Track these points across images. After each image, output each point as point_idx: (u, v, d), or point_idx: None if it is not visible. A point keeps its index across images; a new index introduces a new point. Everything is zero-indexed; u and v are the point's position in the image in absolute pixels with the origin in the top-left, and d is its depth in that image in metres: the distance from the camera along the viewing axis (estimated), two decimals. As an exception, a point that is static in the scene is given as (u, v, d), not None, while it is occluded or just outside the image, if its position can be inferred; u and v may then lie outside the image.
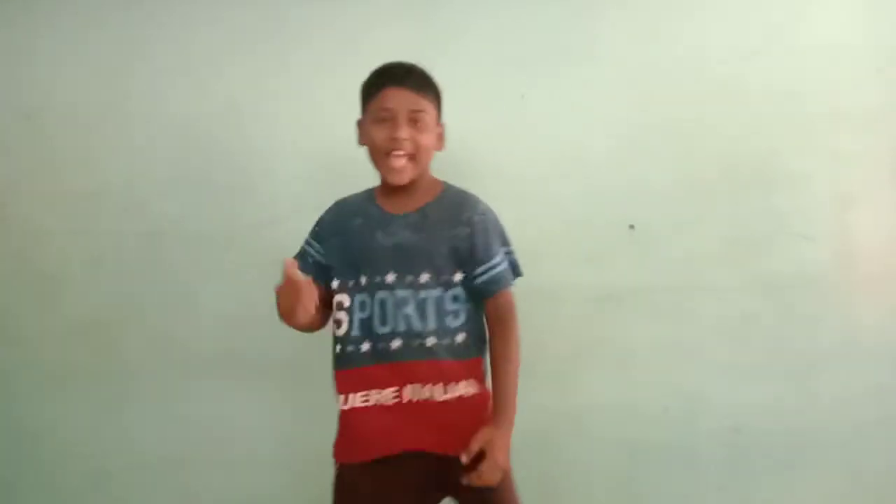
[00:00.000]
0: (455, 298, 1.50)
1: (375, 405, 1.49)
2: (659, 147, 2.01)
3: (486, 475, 1.43)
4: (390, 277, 1.48)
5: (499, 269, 1.53)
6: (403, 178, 1.49)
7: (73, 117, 2.03)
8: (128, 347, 2.01)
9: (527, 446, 1.95)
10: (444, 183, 1.59)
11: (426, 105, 1.49)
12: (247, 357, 2.00)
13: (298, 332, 1.98)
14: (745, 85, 2.02)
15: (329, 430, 1.91)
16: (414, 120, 1.47)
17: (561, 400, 1.99)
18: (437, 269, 1.49)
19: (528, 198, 1.99)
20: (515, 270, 1.57)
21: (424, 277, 1.48)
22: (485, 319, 1.55)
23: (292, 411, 2.00)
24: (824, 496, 2.00)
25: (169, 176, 2.02)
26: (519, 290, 1.97)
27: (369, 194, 1.58)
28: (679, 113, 2.01)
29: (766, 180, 2.02)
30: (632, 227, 2.01)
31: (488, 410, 1.51)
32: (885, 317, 2.01)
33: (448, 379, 1.48)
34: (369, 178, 2.00)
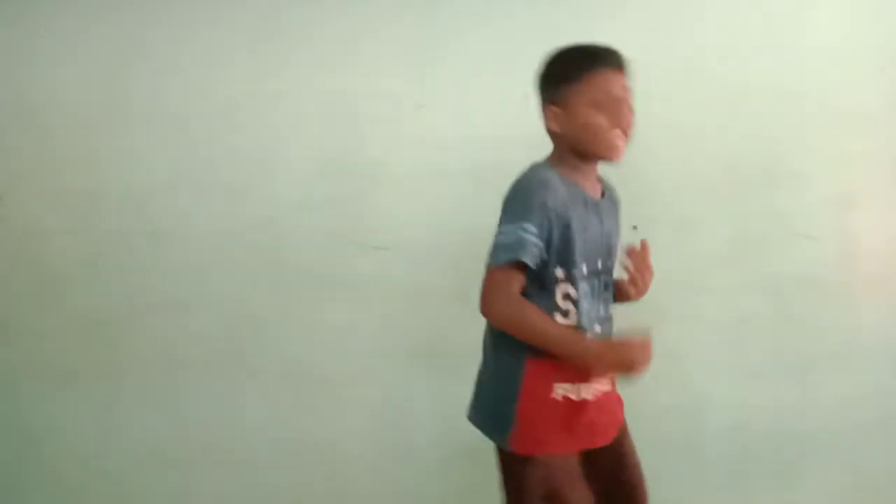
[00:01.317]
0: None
1: (596, 398, 1.44)
2: (661, 148, 2.01)
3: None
4: (600, 264, 1.47)
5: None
6: (619, 158, 1.45)
7: (74, 117, 2.03)
8: (128, 347, 2.01)
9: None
10: None
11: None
12: (247, 357, 2.00)
13: (299, 333, 2.00)
14: (747, 85, 2.01)
15: (329, 431, 1.92)
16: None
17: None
18: (612, 258, 1.51)
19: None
20: None
21: (612, 262, 1.50)
22: None
23: (293, 411, 2.00)
24: (825, 496, 2.00)
25: (169, 175, 2.02)
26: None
27: (559, 173, 1.45)
28: (681, 113, 2.01)
29: (768, 181, 2.01)
30: (635, 227, 2.00)
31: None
32: (886, 317, 2.01)
33: None
34: (370, 179, 2.01)
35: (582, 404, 1.41)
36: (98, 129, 2.04)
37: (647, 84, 2.03)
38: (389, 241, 1.99)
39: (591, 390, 1.42)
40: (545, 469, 1.39)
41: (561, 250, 1.39)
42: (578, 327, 1.41)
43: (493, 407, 1.44)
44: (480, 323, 1.97)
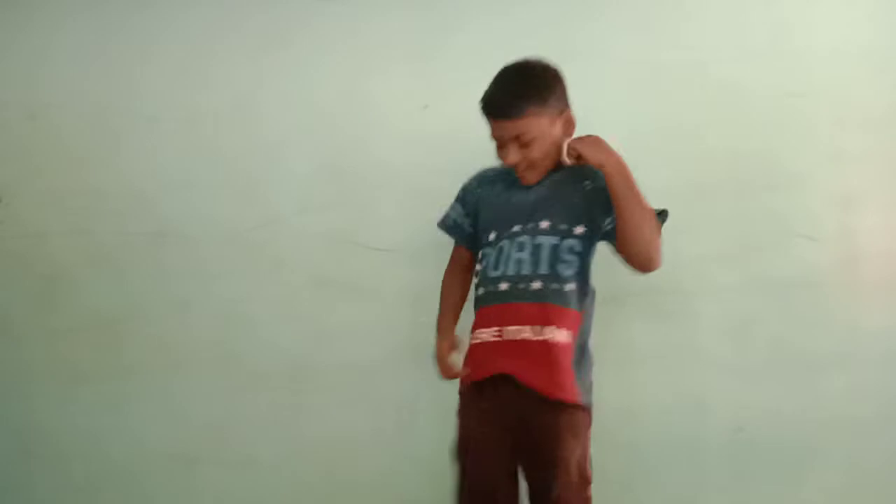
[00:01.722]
0: (570, 249, 1.61)
1: (482, 342, 1.62)
2: (661, 148, 2.01)
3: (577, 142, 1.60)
4: (515, 228, 1.62)
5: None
6: (531, 181, 1.65)
7: (76, 118, 2.04)
8: (130, 348, 2.01)
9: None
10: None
11: (527, 124, 1.60)
12: (249, 358, 2.00)
13: (301, 334, 2.00)
14: (748, 86, 2.01)
15: (332, 432, 1.92)
16: (520, 142, 1.60)
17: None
18: (556, 220, 1.62)
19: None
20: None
21: (544, 225, 1.61)
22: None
23: (295, 412, 2.00)
24: (827, 497, 1.99)
25: (171, 176, 2.02)
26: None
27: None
28: (681, 114, 2.01)
29: (768, 181, 2.01)
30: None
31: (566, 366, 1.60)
32: (888, 318, 2.00)
33: (546, 321, 1.57)
34: (373, 180, 2.01)
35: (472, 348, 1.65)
36: (100, 130, 2.05)
37: (647, 84, 2.04)
38: (392, 242, 1.99)
39: (475, 336, 1.65)
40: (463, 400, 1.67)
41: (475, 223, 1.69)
42: (482, 286, 1.64)
43: None
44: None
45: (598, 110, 2.01)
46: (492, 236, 1.64)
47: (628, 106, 2.02)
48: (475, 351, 1.63)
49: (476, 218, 1.69)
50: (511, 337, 1.58)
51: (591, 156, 1.58)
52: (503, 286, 1.60)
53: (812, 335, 2.00)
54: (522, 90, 1.61)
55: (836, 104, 2.02)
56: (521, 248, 1.61)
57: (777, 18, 2.05)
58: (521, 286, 1.59)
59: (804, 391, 1.99)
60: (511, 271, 1.60)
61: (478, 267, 1.67)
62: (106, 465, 2.01)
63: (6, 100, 2.06)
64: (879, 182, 2.03)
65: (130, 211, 2.02)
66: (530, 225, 1.62)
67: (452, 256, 1.76)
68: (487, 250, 1.65)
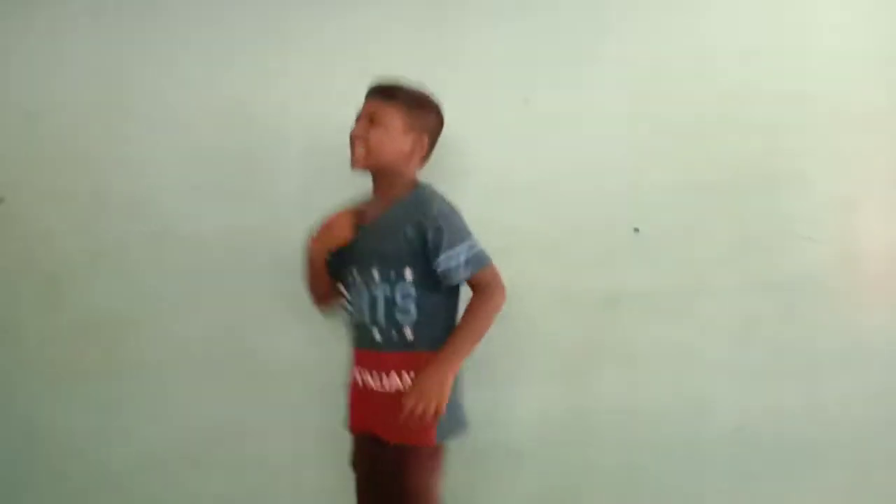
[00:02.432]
0: (406, 295, 1.60)
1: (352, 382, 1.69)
2: (663, 150, 2.01)
3: (412, 402, 1.52)
4: (355, 272, 1.67)
5: (463, 256, 1.60)
6: (359, 164, 1.68)
7: (77, 117, 2.03)
8: (131, 347, 2.00)
9: (531, 447, 1.96)
10: (420, 186, 1.68)
11: (387, 110, 1.65)
12: (250, 358, 2.00)
13: (301, 334, 2.00)
14: (749, 87, 2.01)
15: (333, 432, 1.92)
16: (371, 120, 1.65)
17: (566, 401, 1.99)
18: (385, 266, 1.61)
19: (532, 201, 1.99)
20: (483, 257, 1.64)
21: (375, 273, 1.62)
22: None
23: (295, 412, 2.00)
24: (828, 497, 1.99)
25: (172, 176, 2.02)
26: (525, 293, 1.98)
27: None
28: (683, 115, 2.01)
29: (770, 182, 2.01)
30: (636, 230, 2.01)
31: None
32: (889, 318, 2.01)
33: (388, 369, 1.60)
34: (369, 181, 2.01)
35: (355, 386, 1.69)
36: (100, 130, 2.04)
37: (649, 86, 2.05)
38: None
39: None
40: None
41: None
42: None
43: None
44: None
45: (600, 114, 2.02)
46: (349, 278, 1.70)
47: (629, 107, 2.02)
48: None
49: None
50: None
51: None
52: (367, 331, 1.66)
53: (812, 335, 2.00)
54: (403, 89, 1.68)
55: (836, 105, 2.02)
56: (359, 297, 1.67)
57: (778, 20, 2.05)
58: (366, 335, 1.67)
59: (804, 391, 1.99)
60: (361, 318, 1.67)
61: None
62: (106, 465, 2.00)
63: (7, 100, 2.05)
64: (880, 183, 2.04)
65: (131, 210, 2.02)
66: (365, 274, 1.64)
67: None
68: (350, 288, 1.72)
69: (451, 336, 1.59)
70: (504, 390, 1.98)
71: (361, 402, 1.65)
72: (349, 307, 1.70)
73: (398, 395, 1.56)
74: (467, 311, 1.61)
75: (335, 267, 1.70)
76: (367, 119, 1.65)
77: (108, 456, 2.01)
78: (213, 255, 2.01)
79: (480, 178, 1.95)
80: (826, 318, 2.00)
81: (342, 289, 1.72)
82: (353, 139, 1.65)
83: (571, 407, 1.99)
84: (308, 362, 1.99)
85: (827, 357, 1.99)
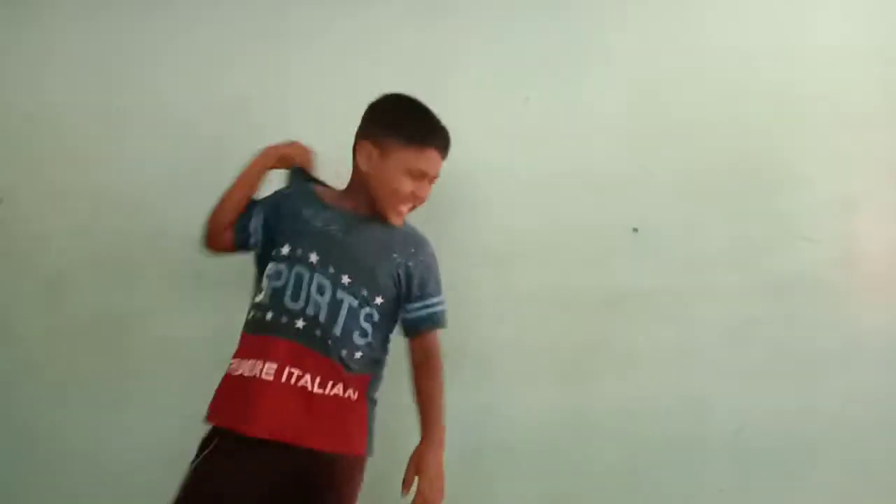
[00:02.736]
0: (368, 317, 1.53)
1: (257, 377, 1.48)
2: (662, 149, 2.02)
3: (427, 494, 1.47)
4: (313, 258, 1.51)
5: (437, 308, 1.59)
6: (401, 223, 1.59)
7: (78, 118, 2.03)
8: (130, 348, 2.00)
9: (531, 448, 1.96)
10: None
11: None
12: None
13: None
14: (749, 87, 2.02)
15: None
16: (431, 181, 1.58)
17: (565, 401, 1.99)
18: (359, 280, 1.52)
19: (531, 200, 2.00)
20: (445, 318, 1.63)
21: (345, 280, 1.51)
22: (410, 355, 1.63)
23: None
24: (827, 498, 1.99)
25: (172, 176, 2.02)
26: (524, 293, 1.98)
27: (310, 189, 1.64)
28: (682, 115, 2.02)
29: (769, 183, 2.02)
30: (635, 229, 2.01)
31: (359, 422, 1.53)
32: (888, 319, 2.01)
33: (333, 380, 1.49)
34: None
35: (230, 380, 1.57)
36: (101, 130, 2.04)
37: (649, 87, 2.05)
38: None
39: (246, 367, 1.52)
40: (208, 444, 1.59)
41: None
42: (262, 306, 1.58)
43: None
44: (482, 324, 1.98)
45: (600, 113, 2.03)
46: (283, 251, 1.54)
47: (628, 106, 2.03)
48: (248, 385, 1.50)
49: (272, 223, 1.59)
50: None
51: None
52: (299, 323, 1.50)
53: (812, 336, 2.00)
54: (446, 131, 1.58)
55: (836, 106, 2.03)
56: (321, 290, 1.51)
57: (778, 21, 2.06)
58: (317, 333, 1.50)
59: (804, 392, 1.99)
60: (311, 311, 1.50)
61: (263, 283, 1.55)
62: (106, 465, 2.00)
63: (7, 100, 2.06)
64: (881, 184, 2.04)
65: (131, 211, 2.02)
66: (331, 269, 1.52)
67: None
68: (277, 267, 1.54)
69: (429, 415, 1.55)
70: (503, 391, 1.98)
71: (275, 403, 1.45)
72: (274, 282, 1.52)
73: (335, 401, 1.48)
74: (431, 381, 1.57)
75: (281, 229, 1.55)
76: (429, 182, 1.56)
77: (108, 456, 2.00)
78: (216, 257, 2.01)
79: (480, 178, 1.95)
80: (825, 318, 2.00)
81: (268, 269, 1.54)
82: (413, 199, 1.54)
83: (570, 407, 1.99)
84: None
85: (826, 357, 1.99)
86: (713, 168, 2.02)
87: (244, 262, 2.00)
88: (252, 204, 1.63)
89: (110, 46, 2.05)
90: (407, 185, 1.53)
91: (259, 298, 1.55)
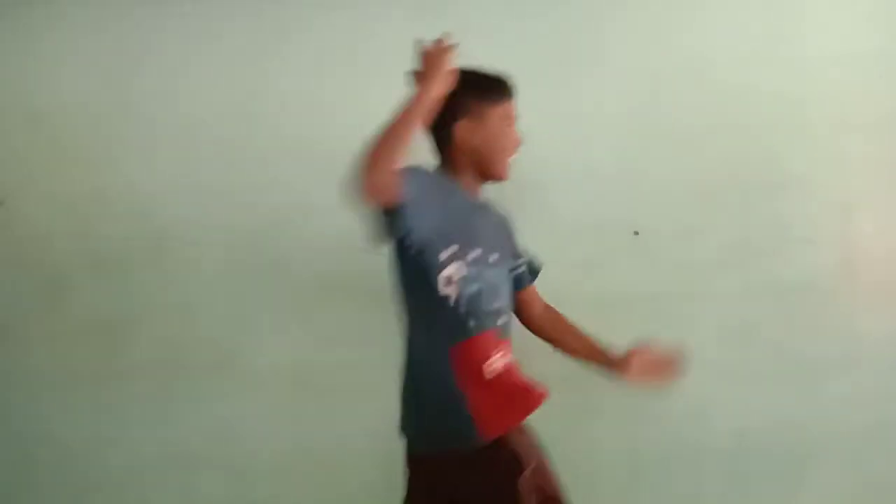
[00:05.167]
0: (509, 280, 1.62)
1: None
2: (663, 153, 2.02)
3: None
4: (480, 251, 1.52)
5: (529, 263, 1.71)
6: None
7: (78, 120, 2.03)
8: (131, 351, 2.00)
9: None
10: None
11: None
12: (250, 361, 2.00)
13: (304, 338, 1.99)
14: (750, 91, 2.02)
15: (334, 436, 1.92)
16: None
17: (565, 404, 1.98)
18: (503, 251, 1.60)
19: (532, 203, 1.99)
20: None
21: (495, 257, 1.56)
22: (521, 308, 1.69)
23: (294, 415, 2.00)
24: (828, 501, 2.00)
25: (174, 179, 2.02)
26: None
27: (450, 179, 1.58)
28: (683, 118, 2.02)
29: (770, 186, 2.02)
30: (636, 233, 2.01)
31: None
32: (888, 322, 2.02)
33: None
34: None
35: (508, 369, 1.48)
36: (102, 132, 2.04)
37: (649, 90, 2.05)
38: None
39: (503, 360, 1.49)
40: (511, 445, 1.45)
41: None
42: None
43: (440, 419, 1.47)
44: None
45: (601, 116, 2.03)
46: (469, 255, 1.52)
47: (632, 111, 2.03)
48: (514, 372, 1.51)
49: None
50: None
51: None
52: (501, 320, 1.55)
53: (812, 339, 2.01)
54: None
55: (835, 109, 2.03)
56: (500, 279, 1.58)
57: (777, 23, 2.06)
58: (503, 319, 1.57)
59: (804, 395, 2.00)
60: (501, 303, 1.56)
61: (450, 290, 1.48)
62: (107, 468, 2.01)
63: (7, 103, 2.05)
64: (879, 186, 2.04)
65: (132, 213, 2.02)
66: (494, 256, 1.57)
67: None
68: (470, 269, 1.51)
69: (594, 341, 1.69)
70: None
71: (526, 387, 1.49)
72: (473, 286, 1.48)
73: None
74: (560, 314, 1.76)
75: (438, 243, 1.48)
76: None
77: (108, 458, 2.01)
78: (213, 258, 2.01)
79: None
80: (825, 321, 2.01)
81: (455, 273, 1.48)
82: (517, 146, 1.59)
83: (570, 410, 1.99)
84: (307, 364, 1.99)
85: (827, 361, 2.00)
86: (713, 171, 2.02)
87: (244, 264, 2.01)
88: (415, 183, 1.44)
89: (111, 48, 2.05)
90: (510, 136, 1.59)
91: (448, 306, 1.48)
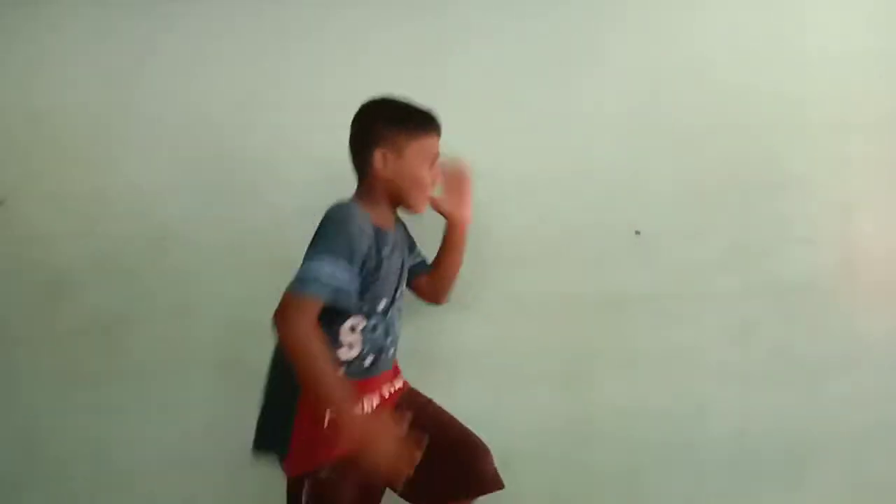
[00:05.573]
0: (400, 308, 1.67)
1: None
2: (663, 153, 2.02)
3: None
4: (396, 293, 1.60)
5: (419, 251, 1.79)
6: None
7: (80, 120, 2.03)
8: (132, 350, 2.01)
9: (531, 450, 1.96)
10: None
11: None
12: (251, 361, 1.99)
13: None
14: (750, 91, 2.02)
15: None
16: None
17: (567, 404, 1.99)
18: (404, 266, 1.65)
19: (533, 203, 2.00)
20: None
21: (400, 291, 1.63)
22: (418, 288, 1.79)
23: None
24: (828, 501, 2.00)
25: (174, 179, 2.02)
26: (525, 295, 1.98)
27: (369, 214, 1.53)
28: (683, 118, 2.02)
29: (770, 186, 2.02)
30: (637, 232, 2.01)
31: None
32: (888, 322, 2.02)
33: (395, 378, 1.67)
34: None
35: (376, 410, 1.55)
36: (102, 132, 2.04)
37: (649, 90, 2.05)
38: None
39: (372, 401, 1.56)
40: (316, 482, 1.48)
41: (364, 289, 1.49)
42: (360, 356, 1.53)
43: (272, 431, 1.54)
44: (482, 327, 1.99)
45: (602, 116, 2.03)
46: (382, 305, 1.55)
47: (629, 109, 2.03)
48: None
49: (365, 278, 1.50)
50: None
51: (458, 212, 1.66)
52: (389, 353, 1.61)
53: (812, 339, 2.01)
54: None
55: (835, 109, 2.03)
56: (399, 310, 1.63)
57: (778, 24, 2.06)
58: (395, 348, 1.64)
59: (805, 395, 2.00)
60: (392, 335, 1.61)
61: (354, 338, 1.51)
62: (108, 468, 2.01)
63: (7, 102, 2.05)
64: (881, 187, 2.04)
65: (132, 213, 2.02)
66: (402, 289, 1.64)
67: (310, 311, 1.40)
68: (376, 321, 1.55)
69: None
70: (503, 393, 1.98)
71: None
72: (371, 335, 1.53)
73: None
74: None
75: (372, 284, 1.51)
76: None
77: (109, 457, 2.01)
78: (213, 257, 2.01)
79: (480, 181, 1.94)
80: (826, 321, 2.01)
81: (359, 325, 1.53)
82: (433, 184, 1.61)
83: (571, 410, 1.99)
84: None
85: (827, 360, 2.00)
86: (714, 171, 2.02)
87: (244, 263, 2.01)
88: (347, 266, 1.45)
89: (111, 48, 2.05)
90: (427, 173, 1.59)
91: (355, 352, 1.53)
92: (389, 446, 1.34)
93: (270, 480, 2.01)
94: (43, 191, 2.03)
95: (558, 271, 1.99)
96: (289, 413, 1.49)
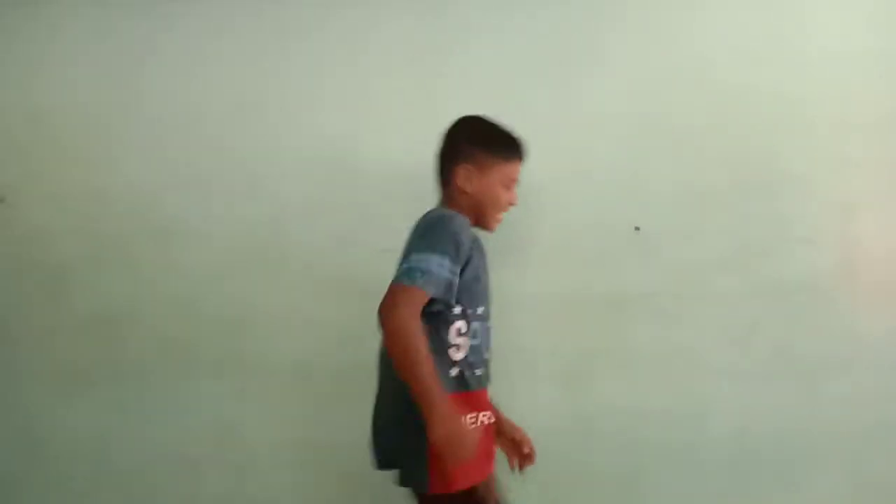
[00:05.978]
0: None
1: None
2: (664, 152, 2.02)
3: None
4: (488, 304, 1.60)
5: None
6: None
7: (80, 118, 2.04)
8: (133, 347, 2.01)
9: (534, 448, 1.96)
10: None
11: None
12: (251, 357, 2.00)
13: (305, 335, 1.99)
14: (751, 91, 2.02)
15: (335, 433, 1.91)
16: None
17: (567, 403, 1.99)
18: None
19: (533, 202, 1.99)
20: None
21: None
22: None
23: (296, 412, 2.00)
24: (828, 501, 2.00)
25: (174, 179, 2.03)
26: (525, 294, 1.98)
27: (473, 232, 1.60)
28: (684, 118, 2.02)
29: (770, 186, 2.02)
30: (637, 228, 2.01)
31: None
32: (888, 322, 2.01)
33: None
34: (373, 181, 2.01)
35: (487, 429, 1.54)
36: (102, 129, 2.05)
37: (650, 90, 2.05)
38: (395, 243, 1.98)
39: (487, 417, 1.55)
40: (465, 501, 1.47)
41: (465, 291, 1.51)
42: (469, 362, 1.53)
43: (404, 452, 1.50)
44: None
45: (602, 115, 2.03)
46: (481, 310, 1.57)
47: (630, 107, 2.03)
48: (489, 435, 1.56)
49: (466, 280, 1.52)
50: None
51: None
52: (490, 367, 1.59)
53: (813, 339, 2.00)
54: None
55: (836, 109, 2.03)
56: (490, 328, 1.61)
57: (778, 23, 2.06)
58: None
59: (805, 395, 2.00)
60: (490, 351, 1.59)
61: (462, 340, 1.52)
62: (108, 466, 2.01)
63: (8, 100, 2.06)
64: (881, 187, 2.04)
65: (132, 211, 2.03)
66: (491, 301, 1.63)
67: (416, 302, 1.43)
68: (477, 325, 1.55)
69: None
70: (504, 392, 1.98)
71: (492, 440, 1.60)
72: (473, 340, 1.54)
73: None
74: None
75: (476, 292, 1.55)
76: None
77: (109, 455, 2.01)
78: (219, 256, 2.02)
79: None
80: (826, 321, 2.01)
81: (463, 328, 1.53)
82: (508, 206, 1.64)
83: (572, 409, 1.99)
84: (310, 362, 1.99)
85: (827, 360, 1.99)
86: (714, 171, 2.02)
87: (246, 260, 2.01)
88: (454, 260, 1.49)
89: (111, 46, 2.06)
90: (504, 195, 1.62)
91: (461, 354, 1.53)
92: (468, 454, 1.40)
93: (271, 480, 2.02)
94: (43, 190, 2.03)
95: (558, 271, 1.99)
96: (421, 447, 1.44)
